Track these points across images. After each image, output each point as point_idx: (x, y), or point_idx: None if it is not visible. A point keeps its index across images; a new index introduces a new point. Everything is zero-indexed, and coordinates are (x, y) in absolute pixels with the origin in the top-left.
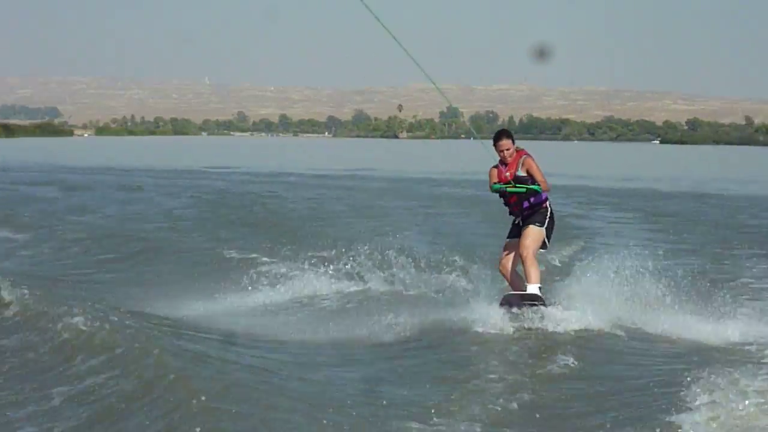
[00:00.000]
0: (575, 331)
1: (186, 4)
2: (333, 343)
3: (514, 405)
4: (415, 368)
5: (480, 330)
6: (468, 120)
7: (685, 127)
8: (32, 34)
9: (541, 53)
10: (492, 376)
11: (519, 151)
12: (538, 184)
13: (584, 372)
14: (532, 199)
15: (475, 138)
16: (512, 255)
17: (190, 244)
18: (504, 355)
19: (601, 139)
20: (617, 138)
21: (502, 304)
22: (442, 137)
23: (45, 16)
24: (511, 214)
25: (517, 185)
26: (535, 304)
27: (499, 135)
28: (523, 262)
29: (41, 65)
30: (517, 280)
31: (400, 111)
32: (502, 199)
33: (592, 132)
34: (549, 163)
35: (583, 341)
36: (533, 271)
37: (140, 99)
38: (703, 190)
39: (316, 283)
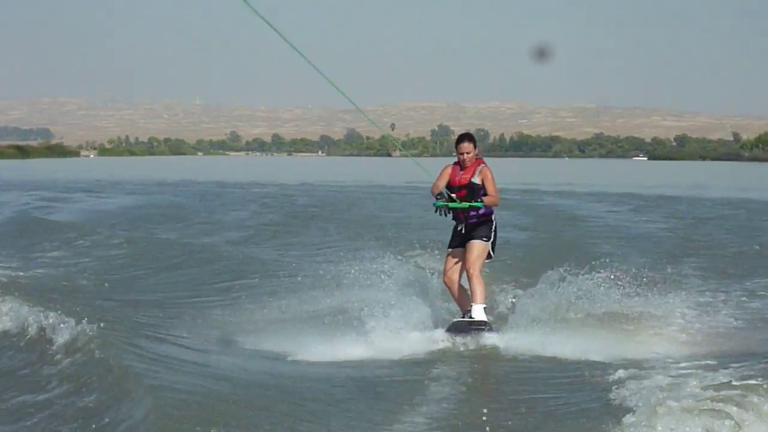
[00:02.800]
0: (511, 354)
1: (174, 24)
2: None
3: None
4: (354, 392)
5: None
6: None
7: (674, 144)
8: (21, 55)
9: (541, 53)
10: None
11: (478, 159)
12: (481, 200)
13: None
14: (480, 210)
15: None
16: (457, 267)
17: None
18: (439, 380)
19: (591, 156)
20: (607, 154)
21: (449, 330)
22: (435, 155)
23: (34, 36)
24: (454, 219)
25: (462, 202)
26: (482, 329)
27: (461, 138)
28: (469, 279)
29: (31, 86)
30: (463, 294)
31: (392, 129)
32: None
33: (582, 149)
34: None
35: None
36: (479, 290)
37: (131, 119)
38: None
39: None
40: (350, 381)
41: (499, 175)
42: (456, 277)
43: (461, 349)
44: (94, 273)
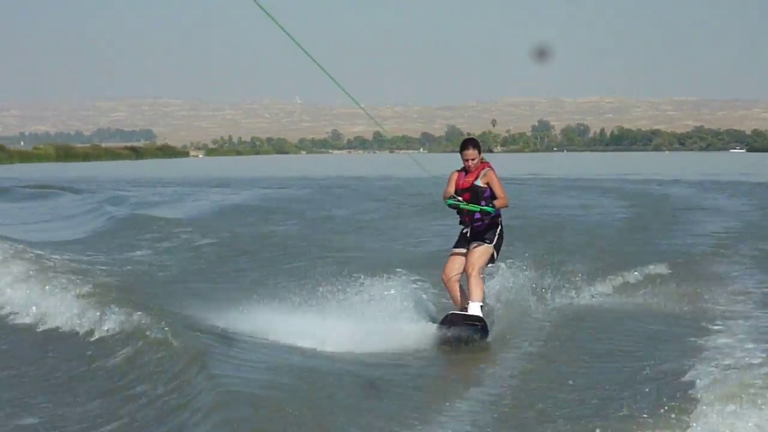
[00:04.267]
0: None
1: (272, 23)
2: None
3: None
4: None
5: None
6: (559, 133)
7: None
8: (122, 57)
9: (541, 53)
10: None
11: (483, 163)
12: (492, 204)
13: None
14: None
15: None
16: (458, 267)
17: None
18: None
19: (691, 149)
20: (707, 147)
21: (442, 323)
22: (535, 150)
23: (134, 38)
24: (461, 223)
25: (471, 204)
26: (476, 325)
27: (465, 144)
28: (468, 279)
29: (132, 88)
30: (461, 294)
31: (494, 126)
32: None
33: (682, 142)
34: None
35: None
36: (476, 290)
37: (233, 119)
38: None
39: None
40: (346, 377)
41: (597, 168)
42: (455, 276)
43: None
44: (179, 265)
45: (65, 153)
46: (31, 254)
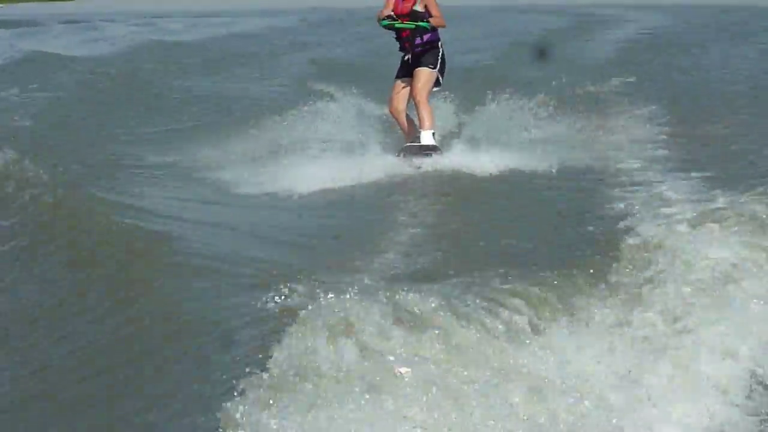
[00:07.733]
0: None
1: None
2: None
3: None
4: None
5: (381, 177)
6: None
7: None
8: None
9: (542, 54)
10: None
11: None
12: (427, 21)
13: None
14: (425, 37)
15: None
16: (403, 96)
17: None
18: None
19: None
20: None
21: (399, 155)
22: None
23: None
24: (401, 50)
25: (406, 22)
26: (430, 154)
27: None
28: (416, 107)
29: None
30: (410, 123)
31: None
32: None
33: None
34: None
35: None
36: (426, 116)
37: None
38: None
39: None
40: (328, 211)
41: None
42: (402, 106)
43: (420, 170)
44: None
45: None
46: None
